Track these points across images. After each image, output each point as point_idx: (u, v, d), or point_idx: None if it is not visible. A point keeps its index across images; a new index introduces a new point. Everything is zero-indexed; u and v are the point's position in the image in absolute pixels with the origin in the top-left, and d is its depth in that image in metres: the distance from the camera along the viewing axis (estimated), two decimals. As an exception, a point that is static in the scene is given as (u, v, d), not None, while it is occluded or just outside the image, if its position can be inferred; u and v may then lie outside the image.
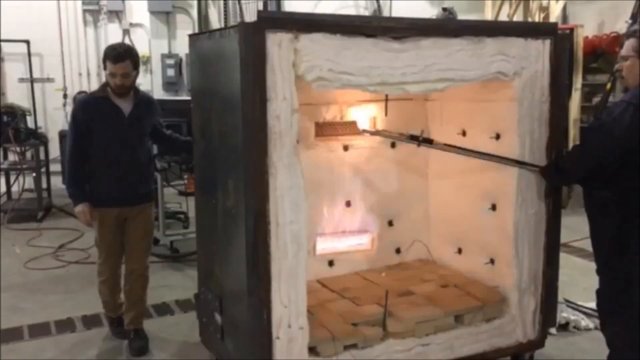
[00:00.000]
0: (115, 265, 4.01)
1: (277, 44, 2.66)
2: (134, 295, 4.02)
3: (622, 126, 2.87)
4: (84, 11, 9.61)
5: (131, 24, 9.86)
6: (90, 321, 4.49)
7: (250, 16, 9.65)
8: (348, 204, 3.87)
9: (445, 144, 3.50)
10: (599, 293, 3.21)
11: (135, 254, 3.98)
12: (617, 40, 8.41)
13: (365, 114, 3.74)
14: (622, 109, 2.91)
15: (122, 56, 3.70)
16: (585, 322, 4.23)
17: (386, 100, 3.53)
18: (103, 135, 3.79)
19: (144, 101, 3.96)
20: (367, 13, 10.63)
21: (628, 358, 3.08)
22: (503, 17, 9.15)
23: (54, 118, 9.51)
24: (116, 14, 9.77)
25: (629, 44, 3.02)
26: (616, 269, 3.08)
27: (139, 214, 3.93)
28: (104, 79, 4.12)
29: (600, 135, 3.00)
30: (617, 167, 2.95)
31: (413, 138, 3.40)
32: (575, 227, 6.33)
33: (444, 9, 6.91)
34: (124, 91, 3.77)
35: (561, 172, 3.26)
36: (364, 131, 3.68)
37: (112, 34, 9.79)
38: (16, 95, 8.92)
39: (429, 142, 3.43)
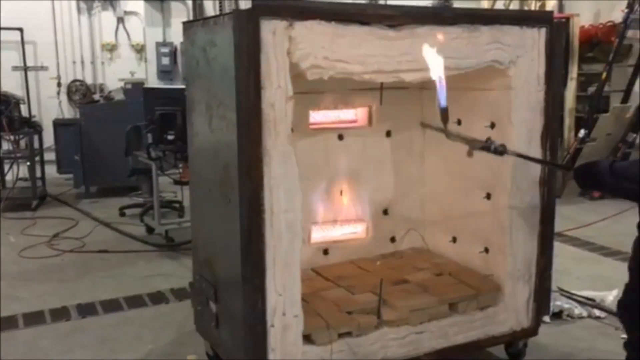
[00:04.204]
0: None
1: (272, 31, 2.64)
2: None
3: None
4: (78, -1, 9.57)
5: (125, 12, 9.81)
6: (85, 309, 4.50)
7: (245, 3, 9.61)
8: (343, 192, 3.87)
9: (518, 154, 3.11)
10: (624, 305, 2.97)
11: None
12: (613, 29, 8.38)
13: (359, 102, 3.74)
14: None
15: None
16: (578, 310, 4.24)
17: (381, 88, 3.51)
18: None
19: None
20: (363, 1, 10.59)
21: None
22: (499, 7, 9.12)
23: (47, 106, 9.49)
24: (110, 2, 9.73)
25: None
26: None
27: None
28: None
29: None
30: None
31: (484, 149, 2.99)
32: (570, 216, 6.40)
33: (440, -2, 6.90)
34: None
35: (615, 175, 2.72)
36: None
37: (106, 22, 9.76)
38: (10, 84, 8.87)
39: (500, 152, 2.98)
